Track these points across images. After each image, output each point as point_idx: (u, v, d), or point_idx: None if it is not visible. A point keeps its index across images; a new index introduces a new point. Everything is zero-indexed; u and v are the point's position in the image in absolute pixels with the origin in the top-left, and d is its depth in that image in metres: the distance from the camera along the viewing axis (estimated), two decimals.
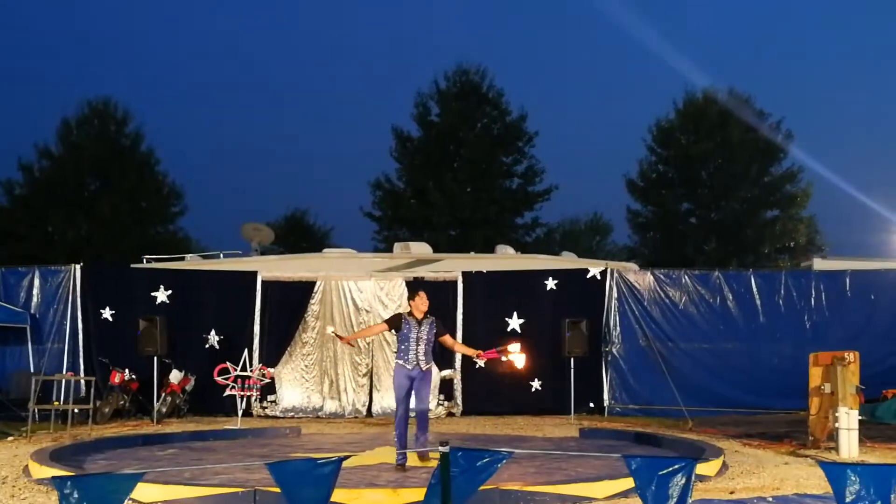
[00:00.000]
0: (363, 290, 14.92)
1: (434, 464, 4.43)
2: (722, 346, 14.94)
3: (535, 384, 14.75)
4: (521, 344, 8.86)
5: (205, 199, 75.95)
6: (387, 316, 14.33)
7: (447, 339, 8.42)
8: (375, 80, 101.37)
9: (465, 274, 15.16)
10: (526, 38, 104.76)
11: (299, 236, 37.25)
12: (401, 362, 8.20)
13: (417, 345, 8.09)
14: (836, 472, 4.08)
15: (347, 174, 70.17)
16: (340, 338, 9.49)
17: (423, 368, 8.10)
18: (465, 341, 14.76)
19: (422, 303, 8.27)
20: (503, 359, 8.52)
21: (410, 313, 8.28)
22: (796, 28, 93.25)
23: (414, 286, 14.35)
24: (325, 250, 18.72)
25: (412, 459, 8.18)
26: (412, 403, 8.22)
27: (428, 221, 30.46)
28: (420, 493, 4.81)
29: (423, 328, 8.15)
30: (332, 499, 4.35)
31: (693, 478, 4.15)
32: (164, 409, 13.72)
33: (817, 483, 7.26)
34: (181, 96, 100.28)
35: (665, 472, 4.05)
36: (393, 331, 8.51)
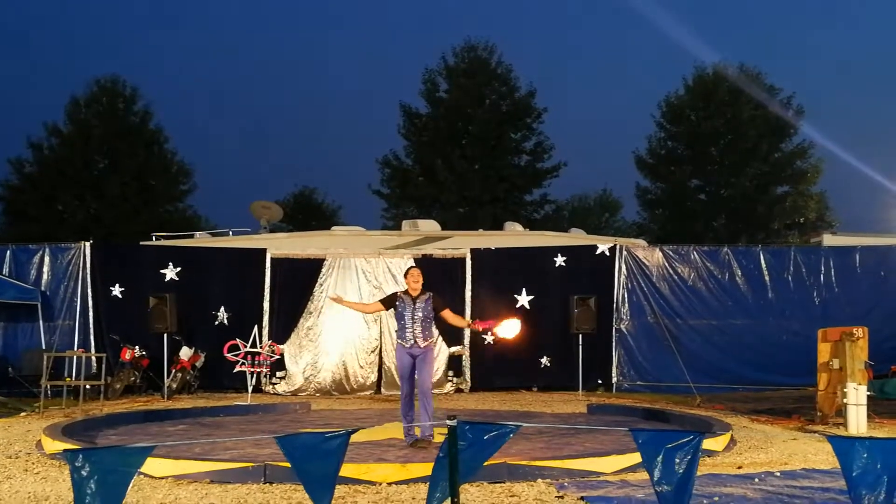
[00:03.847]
0: (372, 267, 14.94)
1: (441, 440, 4.44)
2: (730, 322, 14.93)
3: (544, 361, 14.81)
4: (518, 319, 8.54)
5: (214, 177, 76.13)
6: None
7: (446, 313, 8.16)
8: (383, 56, 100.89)
9: (473, 251, 15.16)
10: (534, 14, 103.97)
11: (308, 214, 37.30)
12: (400, 341, 8.14)
13: (413, 323, 7.97)
14: (844, 446, 4.08)
15: (356, 152, 70.01)
16: (336, 298, 8.78)
17: (422, 346, 7.95)
18: (474, 318, 14.81)
19: (413, 280, 8.09)
20: (490, 333, 8.04)
21: (406, 291, 8.15)
22: (807, 3, 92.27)
23: (421, 263, 14.37)
24: (334, 228, 18.77)
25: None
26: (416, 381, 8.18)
27: (436, 199, 30.38)
28: (428, 468, 4.83)
29: (417, 305, 8.01)
30: (341, 473, 4.38)
31: (700, 452, 4.16)
32: (174, 386, 13.82)
33: (825, 458, 7.28)
34: (190, 74, 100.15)
35: (672, 446, 4.05)
36: (391, 310, 8.33)
